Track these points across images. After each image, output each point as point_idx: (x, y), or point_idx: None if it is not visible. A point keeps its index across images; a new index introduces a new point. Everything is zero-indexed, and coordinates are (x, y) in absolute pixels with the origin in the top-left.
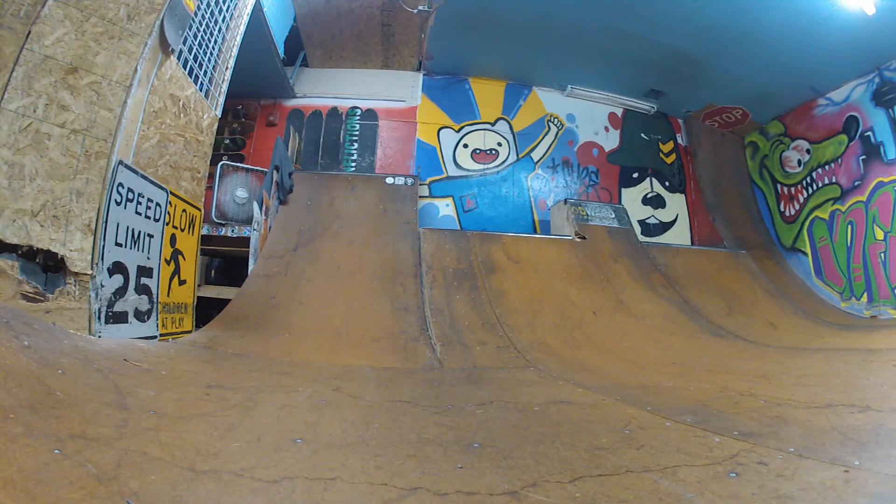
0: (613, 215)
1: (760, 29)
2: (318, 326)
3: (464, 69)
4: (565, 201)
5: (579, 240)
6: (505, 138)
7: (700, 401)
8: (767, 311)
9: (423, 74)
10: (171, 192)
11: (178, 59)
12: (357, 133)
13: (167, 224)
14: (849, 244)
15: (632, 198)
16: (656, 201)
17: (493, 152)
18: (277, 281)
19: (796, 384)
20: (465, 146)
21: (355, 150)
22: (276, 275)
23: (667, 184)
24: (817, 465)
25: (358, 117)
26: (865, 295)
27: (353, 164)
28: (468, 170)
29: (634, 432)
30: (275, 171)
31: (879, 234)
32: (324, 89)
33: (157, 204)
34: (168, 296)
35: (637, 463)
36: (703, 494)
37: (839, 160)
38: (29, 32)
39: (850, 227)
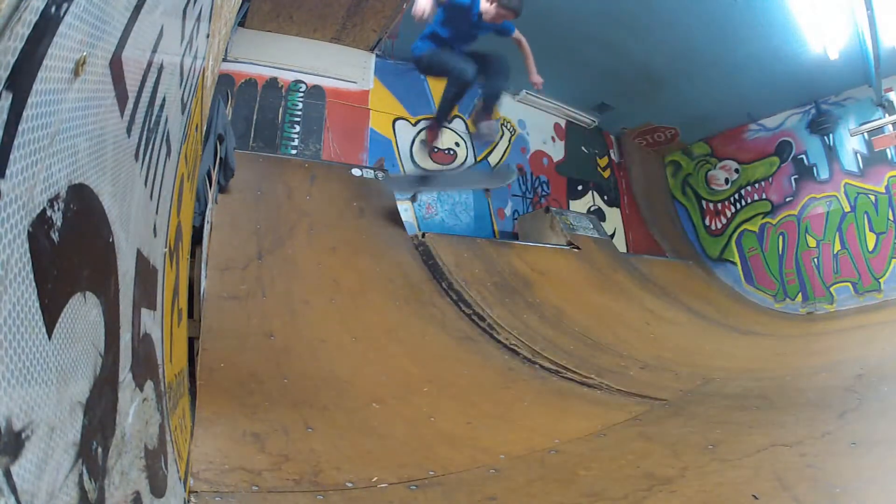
0: (592, 226)
1: (730, 59)
2: (389, 379)
3: None
4: (547, 209)
5: (576, 250)
6: (462, 138)
7: None
8: (741, 313)
9: (377, 56)
10: None
11: None
12: (300, 112)
13: None
14: (780, 252)
15: (578, 210)
16: (598, 215)
17: (452, 152)
18: (255, 306)
19: None
20: (423, 142)
21: (297, 133)
22: (249, 296)
23: (605, 198)
24: None
25: (301, 93)
26: (800, 295)
27: (295, 151)
28: (427, 170)
29: None
30: (217, 143)
31: (812, 243)
32: (262, 55)
33: None
34: None
35: None
36: None
37: (770, 179)
38: None
39: (781, 237)
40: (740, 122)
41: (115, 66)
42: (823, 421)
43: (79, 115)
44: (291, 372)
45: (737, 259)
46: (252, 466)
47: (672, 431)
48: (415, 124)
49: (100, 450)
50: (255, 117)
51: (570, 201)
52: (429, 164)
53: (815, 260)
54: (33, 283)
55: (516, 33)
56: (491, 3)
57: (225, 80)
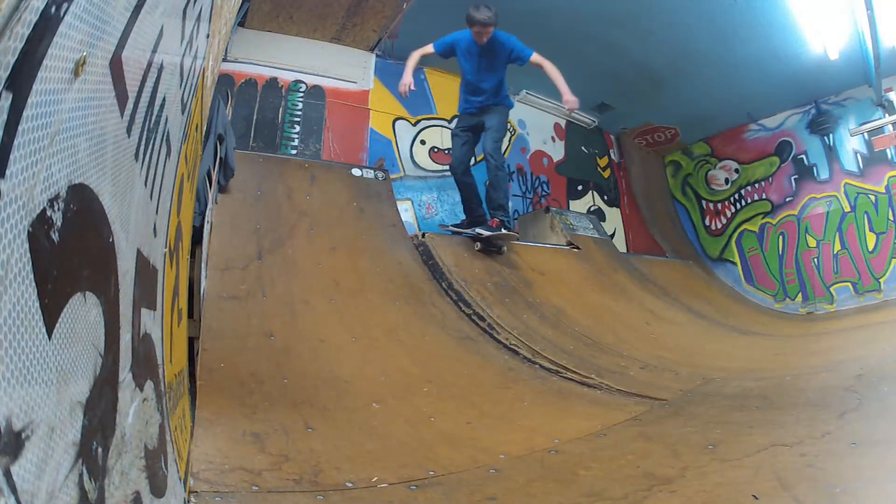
0: (592, 226)
1: (730, 59)
2: (389, 379)
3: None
4: (547, 209)
5: (576, 250)
6: None
7: None
8: (741, 313)
9: (377, 56)
10: None
11: None
12: (300, 112)
13: None
14: (780, 252)
15: (578, 210)
16: (598, 215)
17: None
18: (255, 306)
19: None
20: (423, 142)
21: (297, 133)
22: (249, 296)
23: (605, 198)
24: None
25: (301, 93)
26: (800, 295)
27: (295, 151)
28: (427, 170)
29: None
30: (217, 143)
31: (812, 243)
32: (262, 55)
33: None
34: None
35: None
36: None
37: (770, 179)
38: None
39: (781, 237)
40: (740, 122)
41: (115, 66)
42: (823, 421)
43: (79, 115)
44: (291, 372)
45: (737, 259)
46: (252, 466)
47: (672, 431)
48: (415, 124)
49: (100, 450)
50: (255, 117)
51: (570, 201)
52: (430, 165)
53: (815, 260)
54: (33, 283)
55: (534, 57)
56: (471, 27)
57: (225, 80)
